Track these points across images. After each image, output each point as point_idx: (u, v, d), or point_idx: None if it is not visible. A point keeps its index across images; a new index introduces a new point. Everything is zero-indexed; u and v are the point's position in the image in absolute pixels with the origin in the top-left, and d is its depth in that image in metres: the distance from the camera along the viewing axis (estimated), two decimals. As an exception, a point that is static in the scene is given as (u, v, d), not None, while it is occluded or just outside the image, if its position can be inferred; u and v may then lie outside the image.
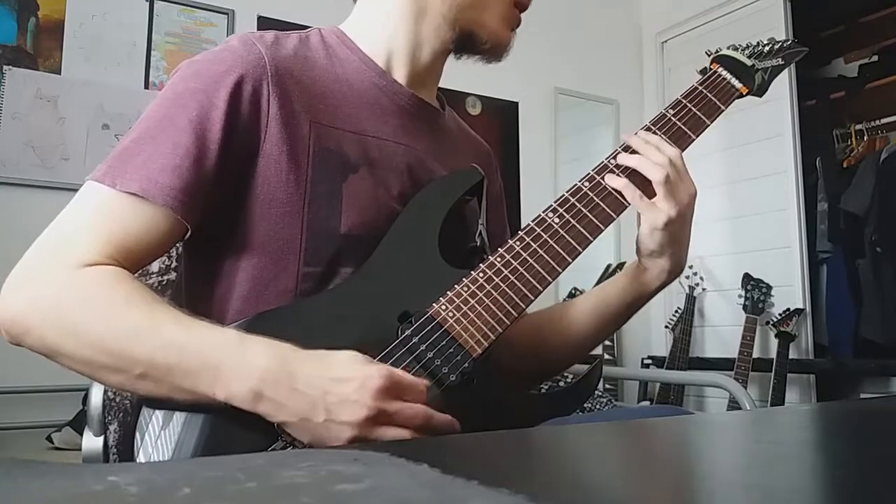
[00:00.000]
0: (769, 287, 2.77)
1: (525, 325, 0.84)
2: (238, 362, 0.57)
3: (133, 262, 0.64)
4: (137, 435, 0.64)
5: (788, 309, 2.70)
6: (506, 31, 0.80)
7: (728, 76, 0.83)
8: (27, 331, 0.60)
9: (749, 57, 0.85)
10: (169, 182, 0.63)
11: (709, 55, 0.87)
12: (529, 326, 0.85)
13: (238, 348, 0.58)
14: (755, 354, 2.69)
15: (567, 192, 0.73)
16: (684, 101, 0.80)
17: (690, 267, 2.96)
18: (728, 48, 0.86)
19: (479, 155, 0.91)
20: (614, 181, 0.73)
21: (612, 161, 0.75)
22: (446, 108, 0.87)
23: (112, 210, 0.63)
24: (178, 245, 0.79)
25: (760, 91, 0.86)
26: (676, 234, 0.74)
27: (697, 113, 0.79)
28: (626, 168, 0.74)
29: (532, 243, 0.70)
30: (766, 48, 0.87)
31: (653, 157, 0.73)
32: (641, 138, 0.75)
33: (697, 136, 0.79)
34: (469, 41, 0.79)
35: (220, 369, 0.57)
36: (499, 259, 0.69)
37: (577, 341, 0.84)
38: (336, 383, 0.56)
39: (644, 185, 0.73)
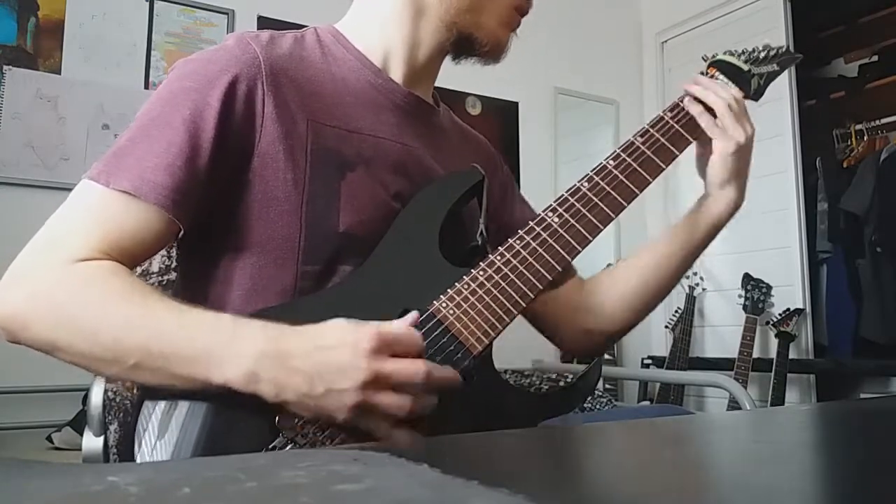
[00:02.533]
0: (769, 287, 2.77)
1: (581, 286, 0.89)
2: (232, 345, 0.57)
3: (127, 258, 0.64)
4: (137, 435, 0.65)
5: (788, 309, 2.70)
6: (505, 33, 0.80)
7: (725, 81, 0.83)
8: (24, 326, 0.60)
9: (745, 62, 0.86)
10: (161, 181, 0.63)
11: (705, 60, 0.88)
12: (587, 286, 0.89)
13: (231, 332, 0.58)
14: (755, 354, 2.69)
15: (567, 192, 0.73)
16: (682, 104, 0.81)
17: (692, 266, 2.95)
18: (724, 53, 0.87)
19: (479, 151, 0.91)
20: (692, 107, 0.80)
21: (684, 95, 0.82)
22: (441, 106, 0.87)
23: (105, 208, 0.63)
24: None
25: (756, 96, 0.87)
26: (743, 163, 0.80)
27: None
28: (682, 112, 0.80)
29: (532, 242, 0.70)
30: (762, 54, 0.87)
31: (717, 92, 0.80)
32: (701, 83, 0.82)
33: (695, 138, 0.79)
34: (467, 43, 0.79)
35: (215, 353, 0.57)
36: (499, 257, 0.69)
37: (636, 294, 0.86)
38: (329, 352, 0.56)
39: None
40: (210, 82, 0.67)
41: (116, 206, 0.63)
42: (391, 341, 0.58)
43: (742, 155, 0.80)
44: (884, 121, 2.94)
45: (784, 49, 0.89)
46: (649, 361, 3.13)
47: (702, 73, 0.86)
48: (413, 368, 0.57)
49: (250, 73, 0.68)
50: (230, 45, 0.70)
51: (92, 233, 0.62)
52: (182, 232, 0.67)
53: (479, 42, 0.78)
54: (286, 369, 0.56)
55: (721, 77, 0.84)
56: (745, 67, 0.85)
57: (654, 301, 0.87)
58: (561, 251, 0.70)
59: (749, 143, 0.80)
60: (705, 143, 0.81)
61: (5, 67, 2.13)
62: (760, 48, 0.88)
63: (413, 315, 0.62)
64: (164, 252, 0.83)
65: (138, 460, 0.63)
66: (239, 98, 0.68)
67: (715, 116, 0.80)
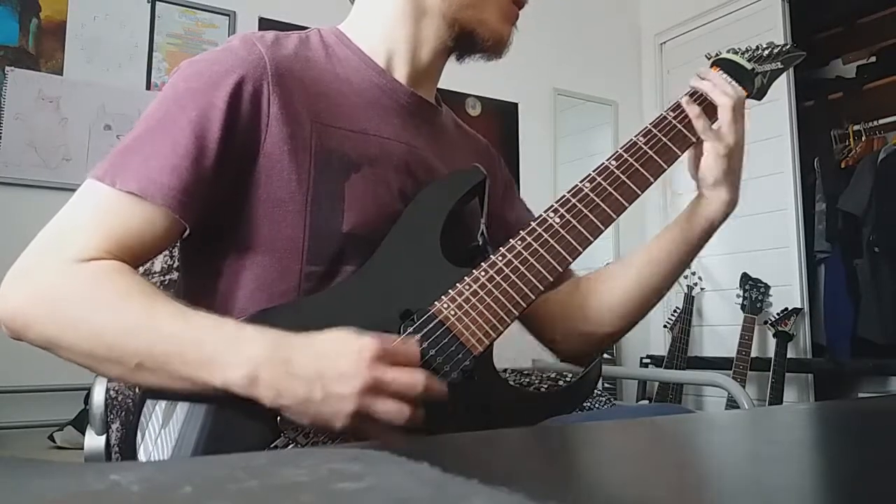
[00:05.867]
0: (767, 287, 2.77)
1: (568, 289, 0.87)
2: (234, 349, 0.57)
3: (132, 258, 0.64)
4: (139, 433, 0.65)
5: (786, 308, 2.70)
6: (506, 27, 0.80)
7: (728, 80, 0.83)
8: (27, 325, 0.60)
9: (748, 61, 0.85)
10: (167, 181, 0.63)
11: (708, 58, 0.87)
12: (573, 289, 0.87)
13: (234, 336, 0.58)
14: (753, 354, 2.69)
15: (568, 192, 0.73)
16: (683, 104, 0.80)
17: (689, 267, 2.95)
18: (727, 51, 0.86)
19: (479, 151, 0.91)
20: (690, 108, 0.78)
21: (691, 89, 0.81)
22: (443, 106, 0.87)
23: (111, 208, 0.64)
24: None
25: (759, 94, 0.86)
26: (736, 162, 0.79)
27: None
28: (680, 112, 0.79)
29: (533, 243, 0.70)
30: (766, 52, 0.86)
31: (723, 88, 0.79)
32: (711, 79, 0.81)
33: (697, 137, 0.79)
34: (470, 40, 0.79)
35: (217, 357, 0.57)
36: (500, 258, 0.69)
37: (630, 295, 0.83)
38: (330, 359, 0.57)
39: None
40: (216, 83, 0.67)
41: (122, 207, 0.63)
42: (392, 352, 0.58)
43: (735, 155, 0.78)
44: (881, 121, 2.95)
45: (788, 47, 0.88)
46: (648, 361, 3.13)
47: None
48: (412, 378, 0.58)
49: (256, 73, 0.68)
50: (235, 45, 0.70)
51: (97, 232, 0.62)
52: (187, 232, 0.67)
53: (481, 38, 0.79)
54: (287, 374, 0.56)
55: (724, 76, 0.83)
56: (749, 66, 0.84)
57: (650, 303, 0.85)
58: (562, 252, 0.70)
59: (742, 143, 0.79)
60: (698, 144, 0.80)
61: (7, 68, 2.13)
62: (764, 46, 0.87)
63: (416, 347, 0.62)
64: (166, 252, 0.83)
65: (142, 452, 0.63)
66: (245, 99, 0.68)
67: (712, 117, 0.79)
